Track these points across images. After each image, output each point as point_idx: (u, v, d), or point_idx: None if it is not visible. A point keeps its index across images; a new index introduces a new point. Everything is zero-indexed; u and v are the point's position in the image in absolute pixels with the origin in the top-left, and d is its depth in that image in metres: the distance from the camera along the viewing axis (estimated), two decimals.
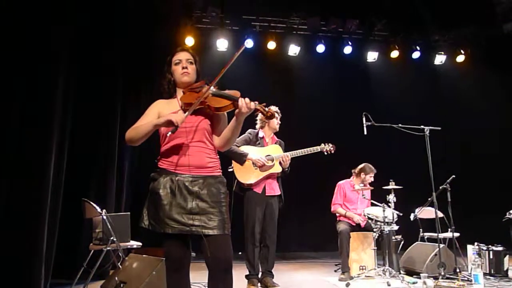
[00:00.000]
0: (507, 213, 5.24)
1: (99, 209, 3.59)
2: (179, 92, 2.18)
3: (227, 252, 1.99)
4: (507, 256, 4.40)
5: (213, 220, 1.98)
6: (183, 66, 2.16)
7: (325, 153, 4.01)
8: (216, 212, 1.99)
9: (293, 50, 7.01)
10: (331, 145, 4.05)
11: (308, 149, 3.91)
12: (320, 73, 7.08)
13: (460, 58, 7.53)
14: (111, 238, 3.54)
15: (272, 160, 3.79)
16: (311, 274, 4.84)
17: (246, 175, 3.77)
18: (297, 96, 7.01)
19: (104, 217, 3.56)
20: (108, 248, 3.58)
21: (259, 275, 3.88)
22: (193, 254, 6.54)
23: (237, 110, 2.00)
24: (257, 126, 3.99)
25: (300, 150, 3.88)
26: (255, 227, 3.74)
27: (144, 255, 3.38)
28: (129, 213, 4.06)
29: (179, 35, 6.62)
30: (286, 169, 3.91)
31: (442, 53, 7.52)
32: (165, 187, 2.00)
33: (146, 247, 4.05)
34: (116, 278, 3.18)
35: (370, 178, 4.72)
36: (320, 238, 6.37)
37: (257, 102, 2.02)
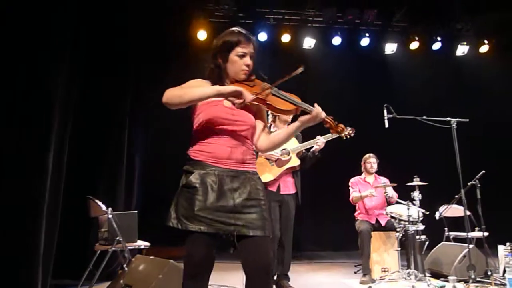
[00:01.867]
0: None
1: (104, 208, 3.43)
2: (224, 82, 1.91)
3: (268, 254, 1.79)
4: None
5: (256, 220, 1.77)
6: (246, 64, 1.88)
7: (344, 138, 3.64)
8: (259, 211, 1.80)
9: (308, 43, 6.77)
10: (349, 128, 3.67)
11: (326, 136, 3.60)
12: (336, 66, 6.81)
13: (484, 49, 7.15)
14: (117, 238, 3.37)
15: (288, 154, 3.55)
16: (329, 276, 4.60)
17: (263, 172, 3.53)
18: (313, 89, 6.69)
19: (110, 216, 3.40)
20: (114, 248, 3.40)
21: (275, 278, 3.65)
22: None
23: (306, 117, 1.86)
24: (269, 120, 3.74)
25: (316, 139, 3.59)
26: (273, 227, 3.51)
27: (151, 257, 3.20)
28: (136, 211, 3.89)
29: (191, 29, 6.49)
30: (317, 153, 3.66)
31: (465, 43, 7.15)
32: (203, 181, 1.76)
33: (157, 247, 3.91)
34: (122, 281, 3.00)
35: (370, 164, 4.60)
36: (338, 237, 6.14)
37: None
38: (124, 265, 3.33)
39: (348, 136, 3.27)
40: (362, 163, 4.75)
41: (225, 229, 1.73)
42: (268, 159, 3.53)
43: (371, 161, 4.65)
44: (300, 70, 1.81)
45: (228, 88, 1.76)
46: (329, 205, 5.99)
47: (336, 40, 6.82)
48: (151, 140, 6.24)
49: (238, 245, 1.75)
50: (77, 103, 3.93)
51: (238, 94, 1.73)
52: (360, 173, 4.78)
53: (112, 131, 4.56)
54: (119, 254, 3.61)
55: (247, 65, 1.87)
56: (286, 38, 6.64)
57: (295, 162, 3.58)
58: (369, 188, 4.41)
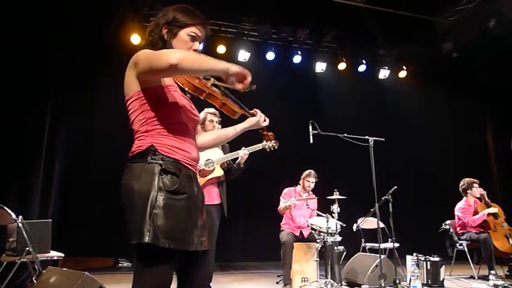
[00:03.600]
0: (443, 224, 5.45)
1: (14, 215, 3.16)
2: None
3: (211, 267, 1.73)
4: (443, 266, 4.50)
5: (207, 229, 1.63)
6: (195, 48, 1.63)
7: (268, 150, 3.71)
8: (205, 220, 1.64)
9: (243, 55, 6.90)
10: (273, 140, 3.72)
11: (250, 147, 3.66)
12: (269, 80, 6.99)
13: (403, 74, 7.85)
14: (27, 248, 3.12)
15: (212, 164, 3.55)
16: (253, 286, 4.65)
17: None
18: (244, 102, 6.84)
19: (20, 225, 3.14)
20: (23, 259, 3.15)
21: None
22: (129, 264, 6.06)
23: (254, 119, 1.85)
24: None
25: (240, 150, 3.64)
26: None
27: (64, 269, 3.01)
28: (50, 220, 3.64)
29: (124, 32, 6.30)
30: (242, 165, 3.69)
31: (386, 67, 7.79)
32: (190, 188, 1.49)
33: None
34: None
35: (308, 182, 4.66)
36: (265, 248, 6.22)
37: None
38: (34, 278, 3.09)
39: (272, 149, 3.38)
40: (302, 177, 4.72)
41: (198, 243, 1.49)
42: None
43: (309, 180, 4.65)
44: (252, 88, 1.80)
45: (238, 67, 1.46)
46: (257, 216, 6.08)
47: (270, 55, 7.04)
48: (75, 147, 5.92)
49: (187, 259, 1.52)
50: None
51: (243, 78, 1.47)
52: (290, 185, 4.83)
53: (27, 136, 4.23)
54: (29, 265, 3.34)
55: (195, 51, 1.62)
56: (221, 49, 6.71)
57: (218, 172, 3.58)
58: (301, 206, 4.56)
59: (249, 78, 1.50)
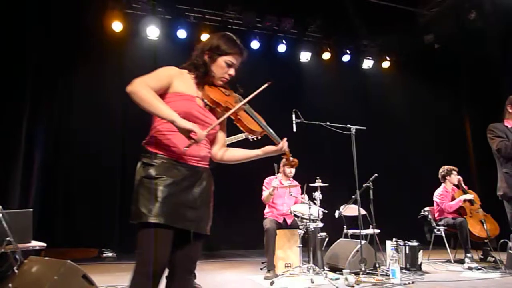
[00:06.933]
0: (422, 211, 5.61)
1: None
2: (206, 81, 1.87)
3: (200, 253, 1.85)
4: (421, 251, 4.64)
5: (207, 218, 1.80)
6: (230, 74, 1.88)
7: (251, 140, 3.74)
8: (209, 209, 1.82)
9: None
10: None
11: (232, 137, 3.66)
12: (253, 69, 6.97)
13: (386, 64, 7.95)
14: (7, 238, 3.09)
15: None
16: (237, 273, 4.72)
17: None
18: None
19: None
20: (3, 250, 3.12)
21: None
22: (114, 254, 6.05)
23: (271, 148, 1.90)
24: None
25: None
26: None
27: (46, 258, 2.99)
28: (31, 210, 3.60)
29: (106, 19, 6.19)
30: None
31: (370, 58, 7.88)
32: (165, 173, 1.69)
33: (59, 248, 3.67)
34: (10, 285, 2.76)
35: (289, 169, 4.71)
36: (250, 236, 6.30)
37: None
38: (15, 268, 3.07)
39: (255, 139, 3.38)
40: (281, 165, 4.80)
41: (188, 224, 1.70)
42: None
43: (291, 167, 4.76)
44: (268, 84, 1.85)
45: (185, 123, 1.63)
46: (242, 205, 6.13)
47: (255, 44, 7.03)
48: (56, 135, 5.84)
49: (178, 241, 1.70)
50: None
51: (189, 133, 1.64)
52: (273, 174, 4.90)
53: (5, 125, 4.16)
54: (10, 255, 3.31)
55: (230, 75, 1.88)
56: (206, 37, 6.65)
57: None
58: (284, 193, 4.63)
59: (198, 134, 1.64)
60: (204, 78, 1.85)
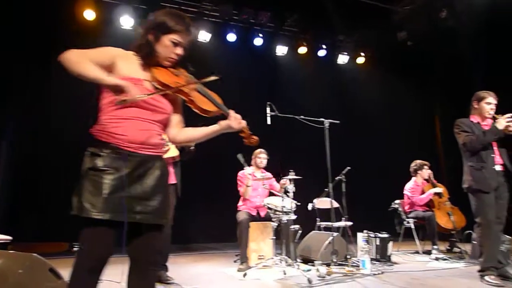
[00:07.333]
0: (392, 204, 5.76)
1: None
2: (152, 61, 1.77)
3: (162, 243, 1.78)
4: (391, 243, 4.77)
5: (161, 208, 1.71)
6: (177, 53, 1.76)
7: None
8: (163, 198, 1.73)
9: (204, 36, 6.80)
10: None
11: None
12: (229, 62, 6.97)
13: (361, 60, 8.07)
14: None
15: (167, 144, 3.49)
16: (210, 266, 4.71)
17: None
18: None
19: None
20: None
21: None
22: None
23: (226, 122, 1.80)
24: None
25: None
26: None
27: (11, 251, 2.89)
28: None
29: (77, 8, 6.01)
30: (192, 148, 3.66)
31: (346, 53, 7.98)
32: (112, 164, 1.61)
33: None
34: None
35: (260, 159, 4.77)
36: (225, 229, 6.29)
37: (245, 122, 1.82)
38: None
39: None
40: (252, 157, 4.88)
41: (134, 217, 1.62)
42: None
43: (261, 156, 4.84)
44: (217, 77, 1.76)
45: (112, 79, 1.58)
46: (217, 198, 6.11)
47: (231, 37, 6.99)
48: (24, 126, 5.64)
49: (134, 233, 1.66)
50: None
51: (120, 89, 1.57)
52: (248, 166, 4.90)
53: None
54: None
55: (177, 55, 1.77)
56: None
57: (173, 152, 3.55)
58: (258, 186, 4.65)
59: (131, 91, 1.59)
60: (150, 59, 1.75)
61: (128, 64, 1.72)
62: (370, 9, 6.81)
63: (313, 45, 7.69)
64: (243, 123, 1.83)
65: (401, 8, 7.41)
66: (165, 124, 1.81)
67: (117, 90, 1.60)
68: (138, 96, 1.62)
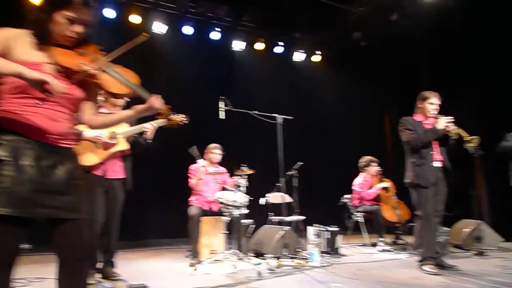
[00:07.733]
0: (341, 198, 5.95)
1: None
2: (46, 41, 1.62)
3: (85, 239, 1.66)
4: (340, 236, 4.93)
5: (74, 202, 1.62)
6: (74, 30, 1.61)
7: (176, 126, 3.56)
8: (77, 192, 1.64)
9: (159, 27, 6.65)
10: (181, 115, 3.40)
11: (157, 121, 3.43)
12: (185, 55, 6.87)
13: (316, 58, 8.23)
14: None
15: (116, 137, 3.38)
16: (161, 262, 4.65)
17: (87, 155, 3.29)
18: (159, 75, 6.63)
19: None
20: None
21: (100, 266, 3.48)
22: (29, 245, 5.60)
23: (141, 107, 1.72)
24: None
25: (146, 124, 3.41)
26: (94, 213, 3.31)
27: None
28: None
29: None
30: (150, 141, 3.56)
31: (302, 51, 8.10)
32: (15, 155, 1.50)
33: None
34: None
35: (213, 154, 4.75)
36: (178, 225, 6.20)
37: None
38: None
39: (181, 123, 3.25)
40: (205, 151, 4.80)
41: (41, 212, 1.54)
42: (93, 142, 3.28)
43: (215, 152, 4.77)
44: (143, 38, 1.68)
45: (35, 74, 1.45)
46: (169, 193, 6.01)
47: (187, 30, 6.89)
48: None
49: (52, 229, 1.61)
50: None
51: (43, 84, 1.45)
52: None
53: None
54: None
55: (76, 33, 1.62)
56: (135, 18, 6.39)
57: (123, 146, 3.43)
58: (210, 180, 4.62)
59: (54, 86, 1.48)
60: (45, 40, 1.60)
61: (23, 46, 1.58)
62: (327, 8, 6.95)
63: (270, 41, 7.75)
64: (161, 104, 1.74)
65: (357, 9, 7.63)
66: (74, 111, 1.71)
67: (38, 84, 1.47)
68: (62, 87, 1.52)
